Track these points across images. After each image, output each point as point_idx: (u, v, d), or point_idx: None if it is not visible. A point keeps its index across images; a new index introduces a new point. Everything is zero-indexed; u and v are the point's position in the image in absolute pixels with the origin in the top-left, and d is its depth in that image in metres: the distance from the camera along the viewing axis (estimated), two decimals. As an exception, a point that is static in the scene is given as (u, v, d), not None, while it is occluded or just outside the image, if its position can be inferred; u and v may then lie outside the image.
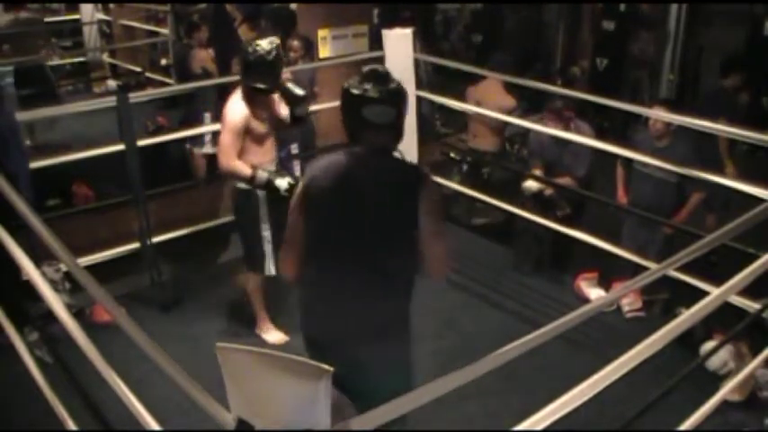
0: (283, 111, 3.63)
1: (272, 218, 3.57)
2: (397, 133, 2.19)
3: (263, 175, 3.42)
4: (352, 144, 2.21)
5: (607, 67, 7.58)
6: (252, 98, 3.43)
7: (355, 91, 2.14)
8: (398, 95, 2.15)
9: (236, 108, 3.42)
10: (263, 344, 3.76)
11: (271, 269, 3.66)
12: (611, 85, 7.26)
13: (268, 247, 3.61)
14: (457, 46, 9.02)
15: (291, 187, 3.35)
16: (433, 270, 2.23)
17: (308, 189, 2.24)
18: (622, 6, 7.48)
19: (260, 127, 3.49)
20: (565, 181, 4.46)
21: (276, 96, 3.57)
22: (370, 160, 2.18)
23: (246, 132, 3.43)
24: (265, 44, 3.39)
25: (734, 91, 5.09)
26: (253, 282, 3.81)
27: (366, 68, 2.18)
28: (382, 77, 2.15)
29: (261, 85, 3.40)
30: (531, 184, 4.53)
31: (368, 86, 2.13)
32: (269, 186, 3.42)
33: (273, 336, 3.89)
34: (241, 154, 3.45)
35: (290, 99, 3.53)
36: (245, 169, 3.42)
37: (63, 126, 5.88)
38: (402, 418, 1.48)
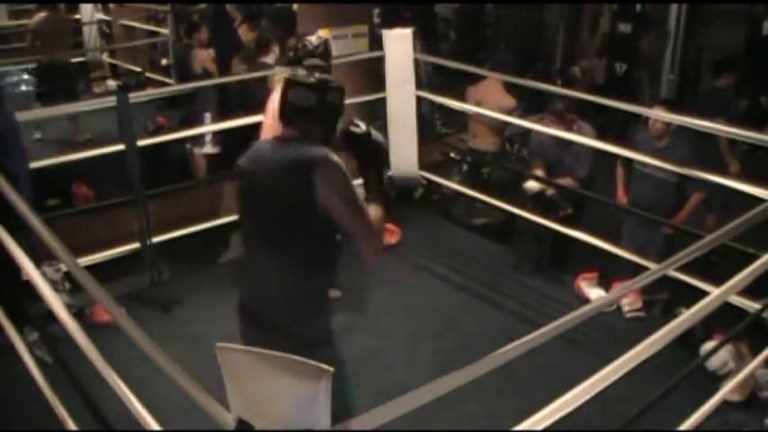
0: None
1: None
2: (322, 121, 2.24)
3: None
4: (283, 130, 2.29)
5: (627, 71, 7.44)
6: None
7: (288, 76, 2.25)
8: (325, 84, 2.21)
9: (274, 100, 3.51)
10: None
11: None
12: (633, 90, 7.21)
13: None
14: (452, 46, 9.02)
15: None
16: (362, 248, 2.25)
17: (235, 172, 2.35)
18: (638, 7, 7.37)
19: None
20: (566, 181, 4.47)
21: None
22: (281, 147, 2.24)
23: None
24: (314, 39, 3.50)
25: (727, 91, 5.09)
26: None
27: (309, 64, 2.35)
28: (320, 70, 2.31)
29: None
30: (532, 185, 4.53)
31: (299, 73, 2.25)
32: None
33: None
34: None
35: None
36: None
37: (89, 121, 5.94)
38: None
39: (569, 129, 4.34)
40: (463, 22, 8.92)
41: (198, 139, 5.31)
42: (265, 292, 2.30)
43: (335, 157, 2.16)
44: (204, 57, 5.66)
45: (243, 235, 2.41)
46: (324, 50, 3.55)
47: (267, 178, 2.22)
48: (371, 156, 2.32)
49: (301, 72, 2.27)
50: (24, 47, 6.90)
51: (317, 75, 2.23)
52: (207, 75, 5.57)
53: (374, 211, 2.25)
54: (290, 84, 2.22)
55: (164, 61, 7.48)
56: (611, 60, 7.60)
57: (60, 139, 6.26)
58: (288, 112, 2.24)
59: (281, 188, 2.19)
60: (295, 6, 5.43)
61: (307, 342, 2.22)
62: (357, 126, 2.32)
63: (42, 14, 6.61)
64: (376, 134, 2.32)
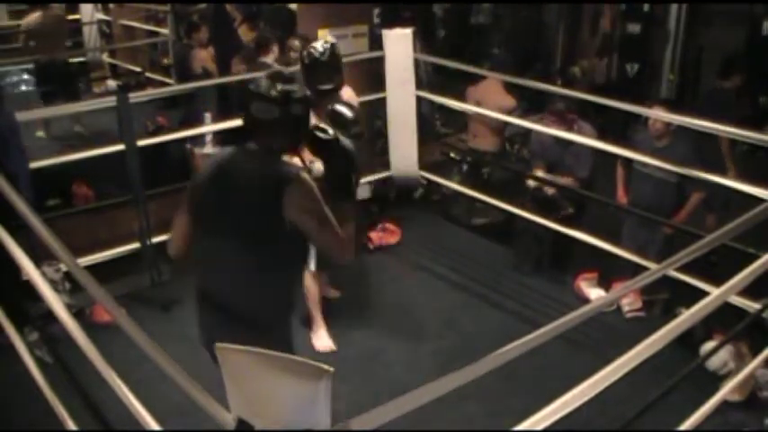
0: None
1: None
2: (285, 135, 2.23)
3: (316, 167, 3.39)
4: (244, 141, 2.27)
5: (639, 72, 7.43)
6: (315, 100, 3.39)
7: (249, 87, 2.22)
8: (287, 97, 2.18)
9: None
10: (310, 348, 3.72)
11: (311, 265, 3.65)
12: (646, 91, 7.18)
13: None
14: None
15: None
16: (333, 258, 2.32)
17: (192, 180, 2.38)
18: (646, 7, 7.36)
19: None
20: (566, 181, 4.46)
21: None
22: (245, 159, 2.25)
23: None
24: (318, 46, 3.46)
25: (733, 92, 5.08)
26: (309, 281, 3.72)
27: (272, 70, 2.27)
28: (283, 79, 2.22)
29: (322, 87, 3.42)
30: (535, 184, 4.54)
31: (261, 84, 2.20)
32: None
33: (322, 342, 3.78)
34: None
35: (339, 122, 3.18)
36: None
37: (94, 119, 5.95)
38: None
39: (570, 129, 4.34)
40: (452, 20, 8.91)
41: (198, 140, 5.31)
42: (225, 299, 2.31)
43: (305, 176, 2.19)
44: (204, 56, 5.66)
45: (194, 245, 2.37)
46: (331, 55, 3.48)
47: (231, 191, 2.22)
48: (340, 161, 2.32)
49: (264, 83, 2.20)
50: (19, 47, 6.89)
51: (280, 86, 2.18)
52: (207, 75, 5.57)
53: (346, 224, 2.27)
54: (251, 97, 2.19)
55: (165, 61, 7.48)
56: (623, 61, 7.58)
57: (63, 137, 6.29)
58: (250, 125, 2.22)
59: (247, 202, 2.20)
60: (294, 6, 5.43)
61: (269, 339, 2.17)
62: (324, 132, 2.31)
63: (36, 14, 6.56)
64: (343, 139, 2.34)
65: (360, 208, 2.30)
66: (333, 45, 3.51)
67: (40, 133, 6.38)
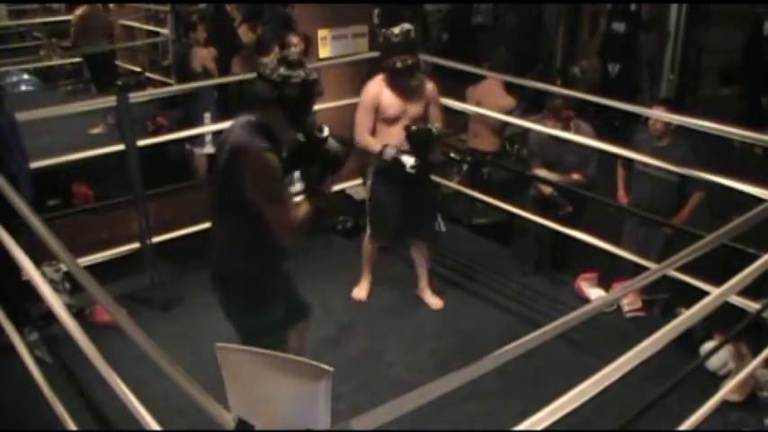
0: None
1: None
2: (284, 111, 2.47)
3: (390, 151, 3.75)
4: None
5: (621, 72, 7.42)
6: (388, 79, 3.84)
7: (259, 68, 2.53)
8: (285, 80, 2.42)
9: (368, 88, 3.88)
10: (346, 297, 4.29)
11: (368, 231, 4.21)
12: (628, 91, 7.13)
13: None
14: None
15: (417, 165, 3.71)
16: (276, 231, 2.52)
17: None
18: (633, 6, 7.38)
19: (389, 109, 3.81)
20: (575, 178, 4.45)
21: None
22: (239, 130, 2.51)
23: (376, 112, 3.81)
24: (396, 29, 3.79)
25: (733, 99, 5.08)
26: (365, 243, 4.27)
27: (282, 54, 2.57)
28: (287, 64, 2.46)
29: (389, 64, 3.77)
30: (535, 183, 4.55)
31: (269, 66, 2.48)
32: (396, 162, 3.73)
33: (357, 291, 4.34)
34: (372, 133, 3.83)
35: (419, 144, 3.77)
36: (375, 145, 3.79)
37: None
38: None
39: (566, 126, 4.33)
40: (455, 21, 8.93)
41: (198, 140, 5.31)
42: (213, 253, 2.70)
43: (265, 152, 2.40)
44: (204, 55, 5.64)
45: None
46: (402, 39, 3.75)
47: (220, 154, 2.57)
48: (321, 158, 2.54)
49: (271, 65, 2.46)
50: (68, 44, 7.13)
51: (282, 70, 2.43)
52: (207, 74, 5.56)
53: (302, 208, 2.52)
54: (258, 76, 2.49)
55: (166, 61, 7.48)
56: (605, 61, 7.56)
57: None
58: (251, 101, 2.52)
59: (222, 168, 2.52)
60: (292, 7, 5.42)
61: (242, 296, 2.69)
62: (321, 131, 2.53)
63: (81, 9, 6.77)
64: (332, 142, 2.53)
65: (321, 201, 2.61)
66: (407, 31, 3.79)
67: (97, 129, 6.38)
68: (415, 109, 3.85)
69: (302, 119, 2.53)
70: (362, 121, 3.84)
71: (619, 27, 7.40)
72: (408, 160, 3.72)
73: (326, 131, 2.52)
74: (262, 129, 2.46)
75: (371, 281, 4.36)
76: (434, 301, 4.29)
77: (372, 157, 3.88)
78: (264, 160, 2.39)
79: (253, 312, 2.68)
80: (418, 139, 3.74)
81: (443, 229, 4.41)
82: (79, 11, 6.79)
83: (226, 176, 2.51)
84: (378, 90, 3.84)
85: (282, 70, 2.43)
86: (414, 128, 3.75)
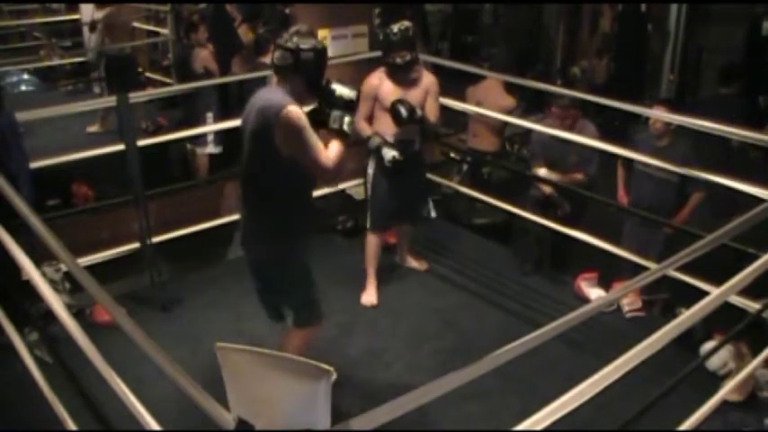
0: None
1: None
2: (302, 76, 2.73)
3: (376, 140, 3.94)
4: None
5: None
6: (388, 73, 3.99)
7: (277, 40, 2.80)
8: (298, 47, 2.71)
9: (368, 79, 4.04)
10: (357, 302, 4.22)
11: (368, 224, 4.24)
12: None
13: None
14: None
15: (395, 160, 3.87)
16: (317, 174, 2.83)
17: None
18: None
19: (387, 99, 3.95)
20: (577, 177, 4.44)
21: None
22: (264, 96, 2.77)
23: (375, 101, 3.98)
24: (395, 27, 3.92)
25: (733, 98, 5.08)
26: (366, 240, 4.26)
27: (295, 28, 2.82)
28: (299, 35, 2.75)
29: (389, 60, 3.94)
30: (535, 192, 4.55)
31: (284, 37, 2.76)
32: (378, 152, 3.93)
33: (366, 296, 4.25)
34: (371, 120, 4.02)
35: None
36: (364, 130, 3.98)
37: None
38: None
39: (573, 124, 4.32)
40: (465, 21, 8.94)
41: (200, 139, 5.31)
42: (242, 217, 2.98)
43: (293, 107, 2.64)
44: (205, 56, 5.65)
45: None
46: (402, 37, 3.88)
47: (247, 118, 2.77)
48: (332, 104, 2.82)
49: (285, 36, 2.75)
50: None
51: (295, 39, 2.72)
52: (208, 74, 5.56)
53: (333, 146, 2.77)
54: (275, 47, 2.77)
55: (165, 62, 7.48)
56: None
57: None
58: (274, 70, 2.78)
59: (252, 129, 2.72)
60: (290, 8, 5.43)
61: (269, 259, 2.93)
62: (330, 84, 2.84)
63: (108, 8, 6.78)
64: (341, 89, 2.83)
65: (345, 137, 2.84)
66: (406, 28, 3.92)
67: (94, 128, 6.38)
68: (413, 100, 3.96)
69: (317, 82, 2.79)
70: (360, 108, 3.99)
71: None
72: (388, 153, 3.89)
73: (333, 83, 2.83)
74: (284, 93, 2.72)
75: (377, 283, 4.31)
76: (419, 264, 4.57)
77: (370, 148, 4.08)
78: (291, 112, 2.63)
79: (287, 266, 2.96)
80: (398, 111, 3.86)
81: (434, 215, 4.40)
82: (105, 9, 6.76)
83: (256, 139, 2.71)
84: (377, 82, 4.01)
85: (296, 39, 2.72)
86: (396, 100, 3.89)
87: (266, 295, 3.07)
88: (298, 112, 2.66)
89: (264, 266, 2.98)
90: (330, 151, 2.76)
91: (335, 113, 2.80)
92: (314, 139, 2.72)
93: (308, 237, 3.05)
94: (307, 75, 2.75)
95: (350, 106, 2.85)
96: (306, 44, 2.72)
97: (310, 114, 2.78)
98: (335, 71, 5.14)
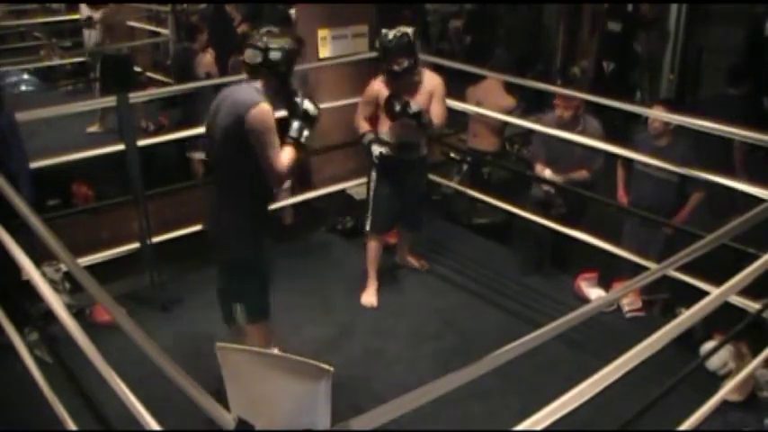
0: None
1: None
2: (271, 74, 2.85)
3: (368, 137, 4.03)
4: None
5: (614, 70, 7.39)
6: (387, 78, 3.98)
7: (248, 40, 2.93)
8: (268, 46, 2.82)
9: (371, 84, 4.07)
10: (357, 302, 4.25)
11: (367, 226, 4.28)
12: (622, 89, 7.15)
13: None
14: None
15: (382, 156, 4.01)
16: (269, 173, 2.87)
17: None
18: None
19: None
20: (581, 174, 4.43)
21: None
22: (234, 92, 2.88)
23: (377, 105, 3.99)
24: (390, 34, 3.88)
25: (739, 99, 5.06)
26: (368, 242, 4.29)
27: (267, 28, 2.90)
28: (271, 35, 2.86)
29: (388, 67, 3.92)
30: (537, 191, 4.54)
31: (255, 36, 2.87)
32: (367, 148, 4.04)
33: (366, 297, 4.26)
34: (374, 121, 4.06)
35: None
36: (362, 128, 4.07)
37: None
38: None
39: (575, 115, 4.30)
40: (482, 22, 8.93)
41: (196, 143, 5.29)
42: (212, 216, 3.10)
43: (265, 105, 2.76)
44: (208, 62, 5.63)
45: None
46: (396, 43, 3.83)
47: (217, 114, 2.88)
48: (296, 116, 2.94)
49: (257, 36, 2.87)
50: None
51: (265, 39, 2.84)
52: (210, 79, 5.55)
53: (287, 152, 2.88)
54: (247, 45, 2.88)
55: (168, 62, 7.49)
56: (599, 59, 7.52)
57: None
58: (244, 68, 2.90)
59: (223, 125, 2.83)
60: (292, 10, 5.43)
61: (236, 257, 3.05)
62: (297, 95, 2.97)
63: (108, 7, 6.79)
64: (307, 103, 2.95)
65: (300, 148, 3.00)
66: (402, 35, 3.86)
67: (94, 128, 6.37)
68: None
69: (286, 82, 2.92)
70: (361, 109, 4.12)
71: (615, 27, 7.40)
72: (375, 150, 4.01)
73: (300, 96, 2.97)
74: (256, 90, 2.83)
75: (377, 285, 4.32)
76: (419, 264, 4.64)
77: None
78: (262, 109, 2.75)
79: (257, 266, 3.07)
80: (391, 105, 3.85)
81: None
82: (104, 9, 6.74)
83: (228, 137, 2.82)
84: (378, 88, 4.00)
85: (266, 39, 2.84)
86: (390, 95, 3.88)
87: (228, 294, 3.22)
88: (268, 111, 2.78)
89: (235, 265, 3.11)
90: (284, 156, 2.87)
91: (297, 124, 2.94)
92: (277, 141, 2.84)
93: (269, 238, 3.16)
94: (275, 74, 2.87)
95: (311, 121, 2.97)
96: (275, 44, 2.84)
97: (279, 121, 2.89)
98: (336, 71, 5.18)
